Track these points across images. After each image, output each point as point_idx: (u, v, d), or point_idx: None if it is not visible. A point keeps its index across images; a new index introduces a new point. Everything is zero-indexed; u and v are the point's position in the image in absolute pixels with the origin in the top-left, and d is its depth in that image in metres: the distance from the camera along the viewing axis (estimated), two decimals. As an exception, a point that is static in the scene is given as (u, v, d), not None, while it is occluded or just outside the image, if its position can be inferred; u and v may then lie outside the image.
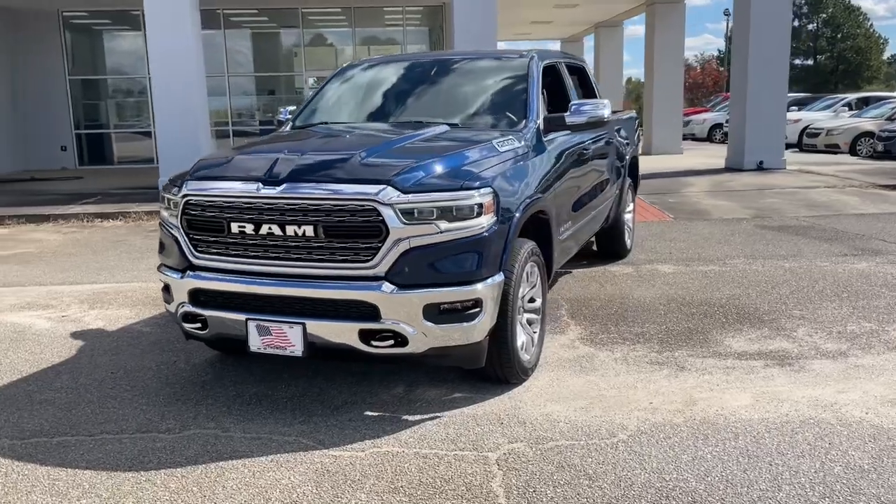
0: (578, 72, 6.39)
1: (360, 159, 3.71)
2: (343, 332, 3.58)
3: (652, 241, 8.15)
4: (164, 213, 4.04)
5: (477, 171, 3.76)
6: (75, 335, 5.32)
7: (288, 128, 5.29)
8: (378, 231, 3.49)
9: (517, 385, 4.12)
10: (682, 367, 4.41)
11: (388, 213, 3.47)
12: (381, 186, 3.50)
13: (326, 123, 5.15)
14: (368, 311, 3.54)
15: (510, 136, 4.35)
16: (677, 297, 5.83)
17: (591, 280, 6.49)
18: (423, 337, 3.58)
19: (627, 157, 6.98)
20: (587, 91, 6.41)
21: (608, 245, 7.19)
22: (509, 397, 3.98)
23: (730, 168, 14.96)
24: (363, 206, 3.49)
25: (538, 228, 4.46)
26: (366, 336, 3.58)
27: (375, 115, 5.10)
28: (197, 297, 3.86)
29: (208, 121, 13.83)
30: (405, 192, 3.50)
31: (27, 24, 17.94)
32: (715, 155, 18.08)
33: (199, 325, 3.90)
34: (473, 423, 3.67)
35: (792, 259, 7.10)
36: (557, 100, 5.45)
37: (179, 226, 3.87)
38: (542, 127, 4.69)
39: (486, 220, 3.65)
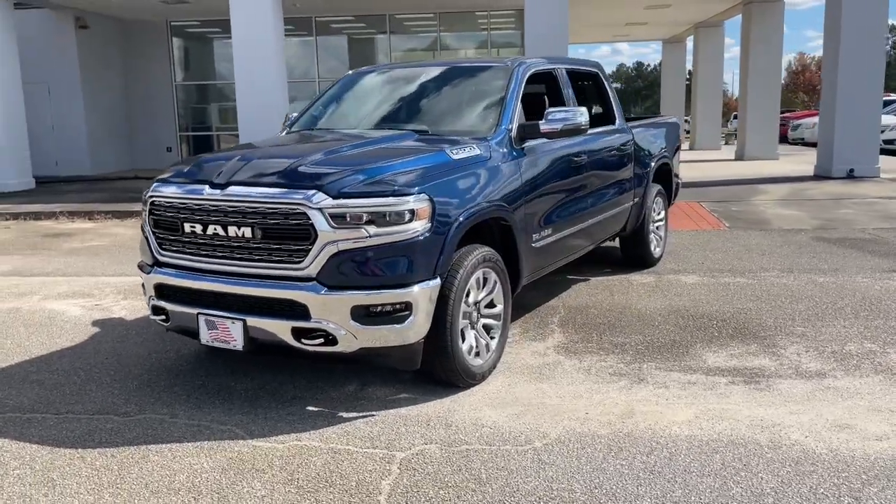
0: (591, 78, 6.34)
1: (300, 165, 3.89)
2: (278, 329, 3.77)
3: (691, 250, 7.91)
4: (143, 213, 4.36)
5: (413, 178, 3.85)
6: (96, 323, 5.77)
7: (283, 132, 5.55)
8: (308, 234, 3.66)
9: (464, 389, 4.18)
10: (641, 379, 4.34)
11: (316, 217, 3.63)
12: (312, 191, 3.66)
13: (311, 129, 5.37)
14: (300, 310, 3.72)
15: (470, 144, 4.41)
16: (682, 309, 5.68)
17: (604, 288, 6.41)
18: (353, 337, 3.71)
19: (653, 164, 6.83)
20: (601, 98, 6.35)
21: (631, 253, 7.07)
22: (451, 400, 4.06)
23: (818, 176, 14.21)
24: (294, 209, 3.67)
25: (504, 235, 4.50)
26: (298, 334, 3.76)
27: (358, 122, 5.27)
28: (161, 291, 4.15)
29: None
30: (335, 196, 3.65)
31: (138, 33, 19.27)
32: (813, 161, 17.17)
33: (163, 317, 4.19)
34: (401, 423, 3.77)
35: (830, 274, 6.74)
36: (556, 106, 5.42)
37: (148, 224, 4.18)
38: (515, 135, 4.71)
39: (419, 226, 3.74)
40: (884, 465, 3.24)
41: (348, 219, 3.64)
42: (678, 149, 7.86)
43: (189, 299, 4.03)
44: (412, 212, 3.72)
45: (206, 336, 3.95)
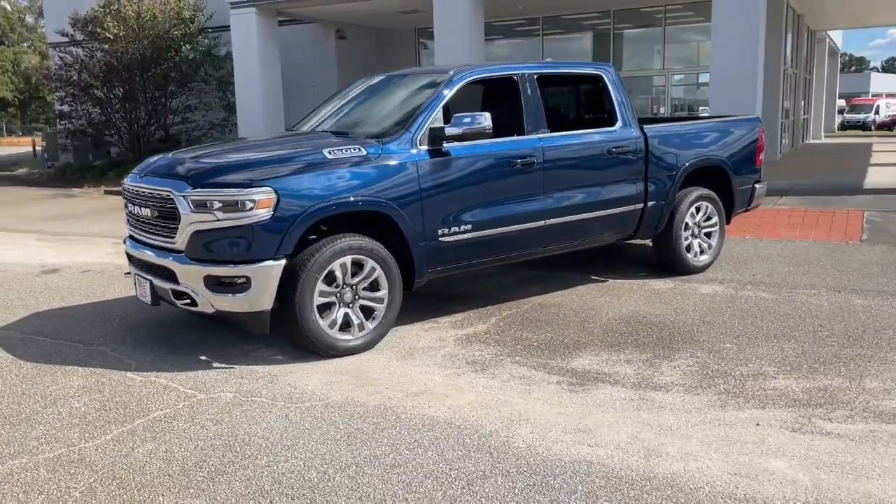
0: (592, 80, 6.41)
1: (185, 161, 4.89)
2: (165, 290, 4.83)
3: (767, 262, 7.38)
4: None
5: (266, 173, 4.62)
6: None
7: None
8: (176, 215, 4.65)
9: (325, 357, 4.83)
10: (485, 369, 4.62)
11: (181, 202, 4.60)
12: (181, 182, 4.64)
13: (290, 129, 6.30)
14: (174, 276, 4.73)
15: (355, 145, 5.01)
16: (655, 319, 5.55)
17: (604, 290, 6.43)
18: (208, 301, 4.63)
19: (684, 167, 6.62)
20: (602, 101, 6.38)
21: (661, 258, 6.94)
22: (304, 365, 4.74)
23: None
24: (166, 195, 4.68)
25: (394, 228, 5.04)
26: (175, 295, 4.77)
27: (329, 124, 6.03)
28: (127, 256, 5.44)
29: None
30: (195, 187, 4.58)
31: (390, 40, 21.58)
32: None
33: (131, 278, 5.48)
34: (240, 376, 4.59)
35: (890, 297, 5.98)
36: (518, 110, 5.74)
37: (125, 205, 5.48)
38: (420, 138, 5.17)
39: (260, 214, 4.52)
40: (577, 468, 3.33)
41: (203, 205, 4.54)
42: (755, 151, 7.35)
43: (133, 264, 5.24)
44: (253, 202, 4.50)
45: (137, 292, 5.13)
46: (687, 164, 6.68)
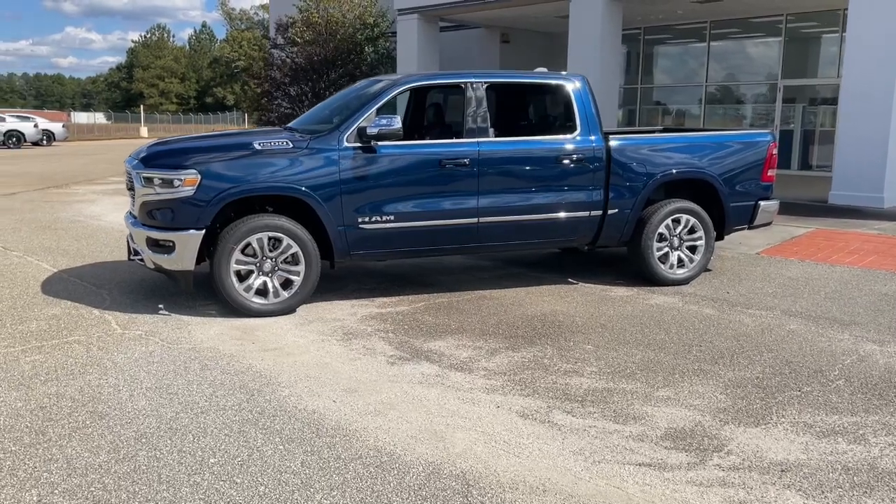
0: (553, 91, 6.73)
1: (156, 147, 6.06)
2: (132, 248, 6.06)
3: (768, 282, 7.14)
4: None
5: (198, 158, 5.65)
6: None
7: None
8: (133, 188, 5.86)
9: (248, 316, 5.75)
10: (350, 339, 5.30)
11: (137, 178, 5.78)
12: (138, 163, 5.82)
13: (285, 126, 7.28)
14: (132, 237, 5.94)
15: (284, 139, 5.89)
16: (563, 318, 5.88)
17: (559, 292, 6.72)
18: (149, 258, 5.78)
19: (655, 179, 6.71)
20: (564, 109, 6.67)
21: (633, 268, 7.05)
22: (225, 322, 5.71)
23: None
24: (131, 172, 5.88)
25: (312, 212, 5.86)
26: (133, 252, 5.99)
27: (299, 122, 6.94)
28: (134, 222, 6.78)
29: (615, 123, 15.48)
30: (146, 167, 5.75)
31: (553, 43, 21.94)
32: None
33: (138, 238, 6.80)
34: (163, 322, 5.68)
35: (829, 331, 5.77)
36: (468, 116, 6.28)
37: (136, 182, 6.80)
38: (349, 136, 5.92)
39: (186, 191, 5.57)
40: (309, 417, 4.00)
41: (149, 181, 5.68)
42: (761, 167, 7.14)
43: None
44: (181, 180, 5.56)
45: (129, 253, 6.42)
46: (659, 174, 6.73)
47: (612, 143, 6.60)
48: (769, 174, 7.19)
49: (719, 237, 7.20)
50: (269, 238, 5.74)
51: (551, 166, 6.42)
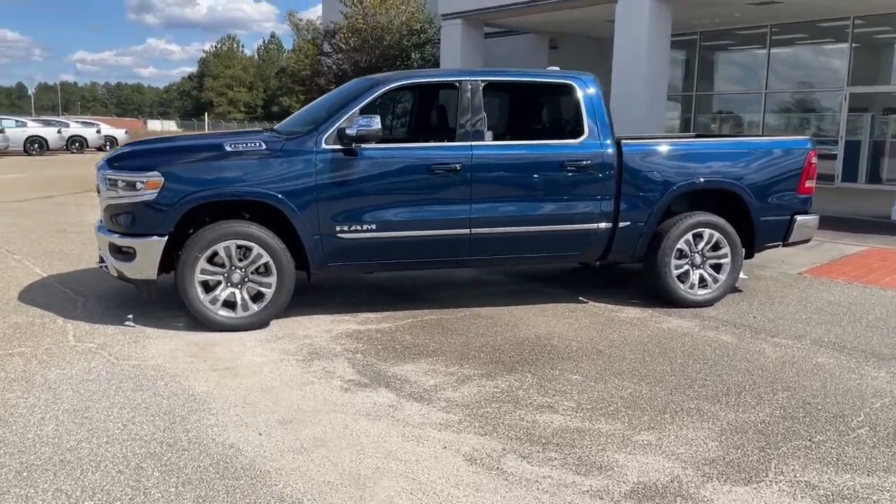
0: (561, 91, 6.13)
1: (125, 148, 5.70)
2: (100, 254, 5.72)
3: (802, 307, 6.38)
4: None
5: (160, 160, 5.26)
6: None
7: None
8: (98, 191, 5.51)
9: (216, 331, 5.32)
10: (311, 360, 4.82)
11: (101, 180, 5.44)
12: (104, 164, 5.48)
13: (268, 128, 6.84)
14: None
15: (257, 140, 5.45)
16: (558, 342, 5.30)
17: (563, 311, 6.10)
18: (113, 267, 5.42)
19: (674, 186, 6.05)
20: (564, 112, 6.09)
21: (648, 285, 6.39)
22: (180, 334, 5.32)
23: None
24: (97, 175, 5.54)
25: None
26: (99, 259, 5.64)
27: (283, 124, 6.48)
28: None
29: (662, 131, 14.67)
30: (110, 168, 5.40)
31: (603, 48, 21.14)
32: None
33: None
34: (123, 334, 5.30)
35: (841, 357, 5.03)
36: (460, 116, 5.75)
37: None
38: (328, 138, 5.45)
39: (148, 194, 5.19)
40: (226, 452, 3.54)
41: (114, 183, 5.32)
42: (798, 177, 6.40)
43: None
44: (143, 183, 5.18)
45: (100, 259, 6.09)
46: (679, 184, 6.06)
47: (625, 148, 5.95)
48: (807, 185, 6.42)
49: (749, 255, 6.47)
50: (238, 247, 5.31)
51: (554, 173, 5.82)
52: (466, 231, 5.69)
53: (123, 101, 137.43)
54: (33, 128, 30.11)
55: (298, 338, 5.26)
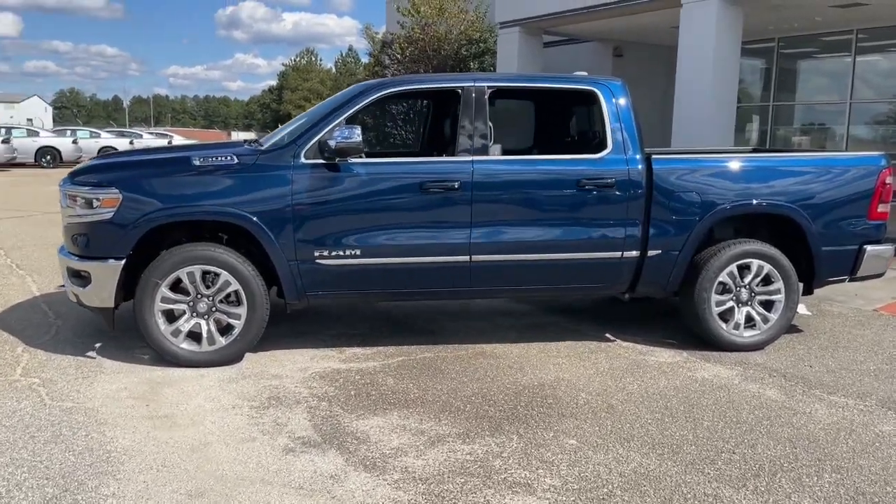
0: (582, 98, 5.33)
1: (90, 162, 5.19)
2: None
3: (871, 352, 5.41)
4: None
5: (120, 175, 4.73)
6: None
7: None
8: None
9: (182, 367, 4.74)
10: (263, 409, 4.18)
11: (62, 196, 4.95)
12: (67, 178, 4.98)
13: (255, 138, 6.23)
14: (62, 266, 5.09)
15: (229, 153, 4.85)
16: (563, 394, 4.50)
17: (583, 353, 5.29)
18: (71, 292, 4.92)
19: (716, 209, 5.17)
20: (585, 122, 5.29)
21: (685, 323, 5.52)
22: (137, 368, 4.77)
23: None
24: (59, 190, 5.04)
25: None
26: (63, 283, 5.14)
27: (274, 134, 5.85)
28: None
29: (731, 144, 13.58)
30: (70, 183, 4.90)
31: (672, 56, 20.00)
32: None
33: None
34: (76, 367, 4.77)
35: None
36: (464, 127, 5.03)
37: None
38: (307, 151, 4.80)
39: (104, 213, 4.66)
40: None
41: (74, 199, 4.81)
42: (868, 200, 5.41)
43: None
44: (99, 200, 4.65)
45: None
46: (721, 206, 5.17)
47: (656, 164, 5.10)
48: (880, 210, 5.41)
49: (808, 290, 5.50)
50: (205, 272, 4.71)
51: (570, 192, 5.03)
52: (466, 258, 4.95)
53: (210, 113, 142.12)
54: (45, 138, 27.58)
55: (266, 377, 4.62)
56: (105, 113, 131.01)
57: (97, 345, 5.20)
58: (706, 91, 13.01)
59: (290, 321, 5.75)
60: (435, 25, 19.54)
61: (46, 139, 27.32)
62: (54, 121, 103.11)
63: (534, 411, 4.14)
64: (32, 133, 27.70)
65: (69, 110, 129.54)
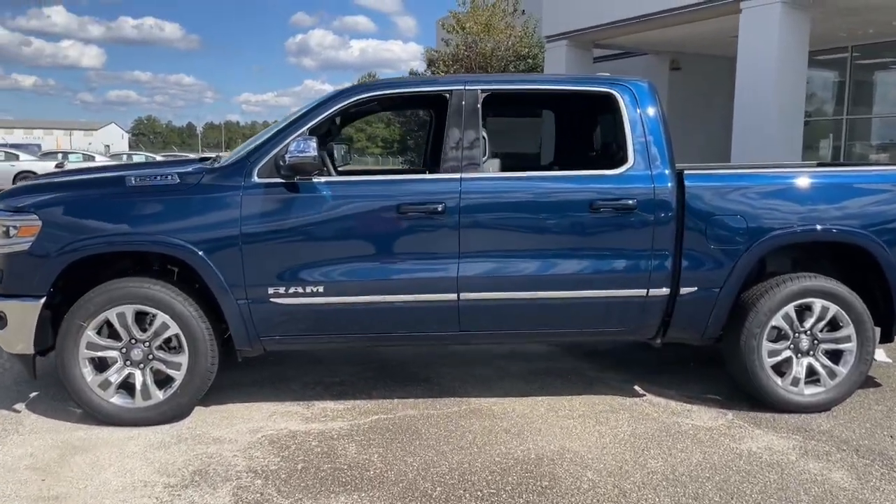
0: (599, 103, 4.40)
1: (33, 180, 4.52)
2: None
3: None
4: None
5: (41, 199, 4.01)
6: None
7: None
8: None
9: (110, 426, 4.00)
10: (187, 486, 3.38)
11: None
12: (-10, 202, 4.27)
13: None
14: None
15: (171, 173, 4.10)
16: (563, 472, 3.57)
17: (604, 412, 4.34)
18: (-12, 334, 4.20)
19: (764, 236, 4.17)
20: (603, 132, 4.36)
21: (732, 376, 4.50)
22: (64, 432, 4.03)
23: None
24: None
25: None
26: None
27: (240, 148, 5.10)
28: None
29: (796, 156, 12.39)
30: (-4, 210, 4.16)
31: (732, 68, 18.71)
32: None
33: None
34: (21, 422, 4.08)
35: None
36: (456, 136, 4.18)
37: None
38: (260, 169, 4.02)
39: (21, 244, 3.93)
40: None
41: (-9, 228, 4.10)
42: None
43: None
44: (16, 228, 3.94)
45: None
46: (772, 233, 4.16)
47: (688, 182, 4.13)
48: (977, 236, 4.29)
49: (887, 337, 4.40)
50: (138, 313, 3.94)
51: (580, 216, 4.10)
52: (453, 296, 4.07)
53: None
54: (26, 162, 25.05)
55: (204, 442, 3.81)
56: (180, 139, 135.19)
57: (33, 394, 4.49)
58: (769, 102, 11.88)
59: (270, 364, 4.98)
60: (482, 42, 18.79)
61: (27, 163, 25.19)
62: (130, 146, 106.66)
63: (521, 499, 3.20)
64: (11, 157, 25.46)
65: (146, 137, 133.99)
